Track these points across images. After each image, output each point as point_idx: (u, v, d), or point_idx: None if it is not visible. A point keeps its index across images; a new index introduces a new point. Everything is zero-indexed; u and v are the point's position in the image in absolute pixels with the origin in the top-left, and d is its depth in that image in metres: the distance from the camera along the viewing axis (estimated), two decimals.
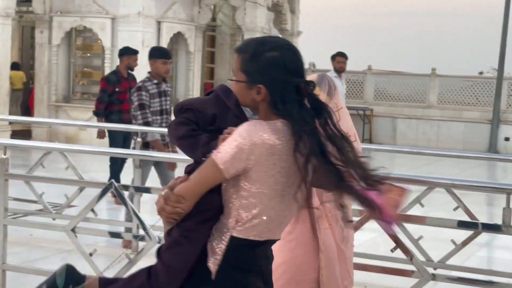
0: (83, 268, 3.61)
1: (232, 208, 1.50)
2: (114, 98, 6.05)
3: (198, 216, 1.51)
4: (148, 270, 1.57)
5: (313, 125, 1.45)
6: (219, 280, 1.49)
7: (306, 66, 1.60)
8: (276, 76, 1.44)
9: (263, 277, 1.58)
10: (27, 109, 11.09)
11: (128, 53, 5.83)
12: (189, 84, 10.81)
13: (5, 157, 3.47)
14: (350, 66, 8.54)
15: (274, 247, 1.73)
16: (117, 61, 9.26)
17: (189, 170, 1.59)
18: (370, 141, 11.99)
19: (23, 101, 11.53)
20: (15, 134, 8.77)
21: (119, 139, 5.78)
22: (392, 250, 3.07)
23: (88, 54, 10.45)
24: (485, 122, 11.98)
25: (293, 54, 1.50)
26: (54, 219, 4.53)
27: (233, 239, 1.48)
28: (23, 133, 9.45)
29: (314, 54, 14.39)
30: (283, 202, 1.50)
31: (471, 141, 11.70)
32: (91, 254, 3.15)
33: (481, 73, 15.87)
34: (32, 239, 4.68)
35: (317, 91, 2.03)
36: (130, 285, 1.62)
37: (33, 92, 10.49)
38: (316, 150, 1.42)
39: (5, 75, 9.17)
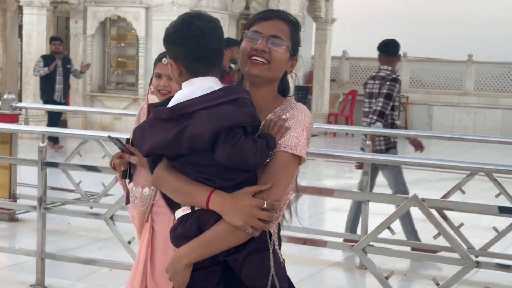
0: (121, 256, 3.44)
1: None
2: None
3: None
4: None
5: None
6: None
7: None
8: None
9: None
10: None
11: (230, 44, 5.01)
12: None
13: (43, 145, 3.57)
14: None
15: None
16: (151, 51, 9.58)
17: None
18: (405, 128, 11.99)
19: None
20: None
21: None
22: (434, 237, 3.04)
23: (122, 44, 10.63)
24: None
25: None
26: (91, 207, 4.60)
27: None
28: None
29: (347, 42, 14.22)
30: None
31: (509, 128, 11.62)
32: (129, 242, 3.17)
33: None
34: (70, 228, 4.80)
35: None
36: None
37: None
38: None
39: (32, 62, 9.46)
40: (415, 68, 13.32)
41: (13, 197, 4.88)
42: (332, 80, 13.14)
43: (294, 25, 1.41)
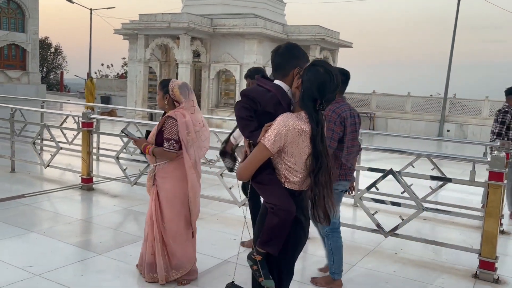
0: (226, 195, 5.15)
1: (280, 170, 2.20)
2: None
3: (264, 171, 2.20)
4: (266, 209, 2.22)
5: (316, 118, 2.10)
6: None
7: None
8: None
9: (303, 211, 2.24)
10: None
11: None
12: None
13: None
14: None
15: (163, 174, 3.48)
16: (241, 87, 17.45)
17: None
18: None
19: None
20: None
21: None
22: (402, 193, 5.20)
23: (227, 83, 18.86)
24: None
25: None
26: (210, 167, 6.67)
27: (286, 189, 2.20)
28: None
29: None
30: (305, 166, 2.15)
31: None
32: (230, 188, 4.93)
33: None
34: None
35: (177, 92, 3.56)
36: (268, 226, 2.20)
37: (200, 102, 19.20)
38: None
39: None
40: None
41: None
42: None
43: None
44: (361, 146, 4.39)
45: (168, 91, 3.63)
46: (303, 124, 2.09)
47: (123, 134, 3.99)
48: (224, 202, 5.94)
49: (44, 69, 44.34)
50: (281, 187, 2.17)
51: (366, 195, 5.03)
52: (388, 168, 4.71)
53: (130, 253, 4.44)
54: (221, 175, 5.81)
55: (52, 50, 46.14)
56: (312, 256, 4.60)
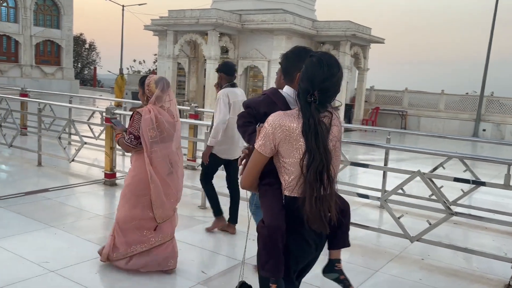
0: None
1: (280, 174, 2.02)
2: None
3: (262, 181, 2.08)
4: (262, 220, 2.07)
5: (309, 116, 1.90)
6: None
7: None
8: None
9: (305, 221, 1.97)
10: None
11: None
12: None
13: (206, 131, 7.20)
14: None
15: (132, 162, 3.83)
16: (269, 84, 17.40)
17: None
18: None
19: None
20: None
21: None
22: (429, 196, 6.17)
23: (255, 80, 18.81)
24: None
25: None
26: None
27: (285, 197, 2.01)
28: None
29: (376, 81, 23.22)
30: (301, 167, 1.93)
31: None
32: None
33: None
34: None
35: (153, 87, 3.68)
36: (259, 247, 2.05)
37: None
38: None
39: (214, 88, 17.98)
40: None
41: (193, 157, 7.98)
42: (365, 101, 21.06)
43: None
44: (391, 145, 4.57)
45: (143, 85, 3.78)
46: (291, 122, 1.94)
47: (112, 123, 4.08)
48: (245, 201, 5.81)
49: (79, 65, 45.39)
50: (273, 199, 2.02)
51: (393, 197, 4.81)
52: (417, 169, 4.50)
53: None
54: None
55: (87, 46, 47.18)
56: None
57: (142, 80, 3.80)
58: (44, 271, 3.79)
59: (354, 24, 18.19)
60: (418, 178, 4.54)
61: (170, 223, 3.90)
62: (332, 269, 2.22)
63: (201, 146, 8.83)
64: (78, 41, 43.48)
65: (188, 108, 8.59)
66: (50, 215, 5.28)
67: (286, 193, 1.99)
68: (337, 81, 1.99)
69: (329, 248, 2.23)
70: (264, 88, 16.93)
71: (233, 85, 4.75)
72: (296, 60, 2.14)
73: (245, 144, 2.23)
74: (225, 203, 5.10)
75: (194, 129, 8.10)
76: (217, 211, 4.95)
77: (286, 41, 17.41)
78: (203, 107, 17.06)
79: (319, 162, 1.90)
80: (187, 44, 19.09)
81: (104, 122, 7.19)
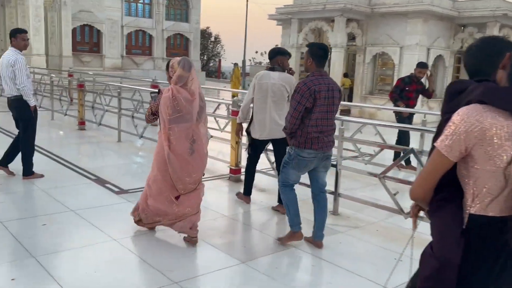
0: (383, 196, 4.95)
1: (466, 185, 1.56)
2: (403, 95, 7.59)
3: (437, 194, 1.61)
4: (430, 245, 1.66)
5: None
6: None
7: None
8: None
9: (503, 249, 1.46)
10: (350, 98, 18.00)
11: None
12: (444, 86, 16.64)
13: (342, 127, 5.30)
14: None
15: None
16: (401, 72, 15.90)
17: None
18: None
19: (349, 94, 18.27)
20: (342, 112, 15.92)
21: (406, 122, 7.47)
22: None
23: (383, 68, 17.39)
24: None
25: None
26: (365, 164, 6.62)
27: (471, 216, 1.52)
28: (346, 111, 16.77)
29: None
30: (505, 177, 1.46)
31: None
32: (395, 194, 4.58)
33: None
34: (351, 174, 5.90)
35: (176, 67, 3.79)
36: (421, 276, 1.66)
37: (353, 89, 17.97)
38: None
39: (339, 77, 16.82)
40: None
41: None
42: None
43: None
44: None
45: (169, 67, 3.92)
46: (494, 118, 1.48)
47: (152, 96, 4.17)
48: (381, 209, 4.96)
49: (205, 57, 47.51)
50: (450, 221, 1.55)
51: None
52: None
53: (277, 264, 3.81)
54: (383, 177, 4.82)
55: (212, 39, 49.16)
56: None
57: (167, 63, 3.98)
58: (168, 282, 3.40)
59: (506, 3, 15.72)
60: None
61: (195, 197, 4.03)
62: None
63: None
64: (204, 34, 45.41)
65: None
66: None
67: (473, 210, 1.52)
68: None
69: None
70: (395, 78, 15.49)
71: (271, 69, 4.89)
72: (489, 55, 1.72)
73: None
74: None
75: None
76: (247, 190, 5.35)
77: (422, 25, 15.73)
78: None
79: None
80: (311, 33, 18.34)
81: (230, 115, 6.82)
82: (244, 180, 5.42)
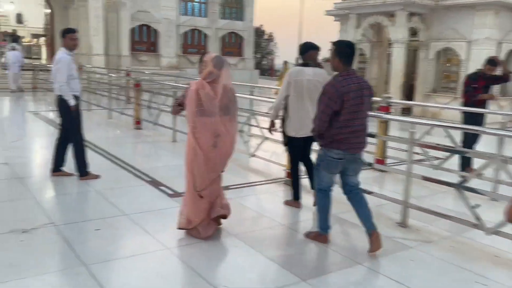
0: (454, 205, 5.45)
1: None
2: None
3: None
4: None
5: None
6: None
7: None
8: None
9: None
10: (410, 97, 16.82)
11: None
12: None
13: (411, 130, 5.00)
14: None
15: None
16: (467, 68, 14.81)
17: None
18: None
19: (407, 93, 17.11)
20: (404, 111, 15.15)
21: (473, 122, 6.57)
22: None
23: (448, 64, 16.30)
24: None
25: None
26: (434, 169, 6.20)
27: None
28: (407, 110, 15.83)
29: None
30: None
31: None
32: (474, 207, 4.14)
33: None
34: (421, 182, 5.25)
35: (209, 63, 3.89)
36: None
37: (414, 86, 16.86)
38: None
39: (399, 75, 16.02)
40: None
41: (382, 157, 7.00)
42: None
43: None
44: None
45: (202, 61, 3.97)
46: None
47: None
48: (456, 222, 4.44)
49: (259, 55, 47.43)
50: None
51: None
52: None
53: (341, 284, 3.44)
54: (461, 186, 4.30)
55: (266, 37, 49.00)
56: None
57: (201, 57, 4.01)
58: None
59: None
60: None
61: (215, 185, 4.09)
62: None
63: (392, 144, 7.56)
64: (258, 32, 45.30)
65: (380, 99, 7.34)
66: (232, 219, 4.71)
67: None
68: None
69: None
70: (462, 74, 14.49)
71: (305, 65, 4.86)
72: None
73: None
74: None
75: (385, 124, 6.88)
76: (295, 194, 5.16)
77: (492, 17, 14.60)
78: None
79: None
80: (370, 28, 17.59)
81: None
82: (291, 184, 5.19)
